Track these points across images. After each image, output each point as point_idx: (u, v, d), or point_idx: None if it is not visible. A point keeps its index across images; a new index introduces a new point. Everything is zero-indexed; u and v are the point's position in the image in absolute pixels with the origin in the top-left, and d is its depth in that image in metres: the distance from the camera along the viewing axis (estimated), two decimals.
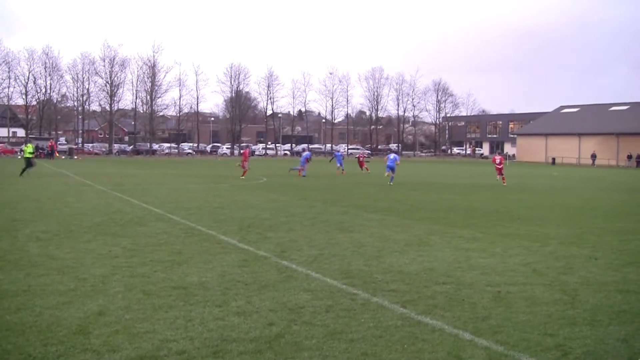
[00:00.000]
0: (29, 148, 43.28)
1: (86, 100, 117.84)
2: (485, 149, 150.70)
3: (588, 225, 19.99)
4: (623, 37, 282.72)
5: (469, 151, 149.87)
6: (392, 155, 41.83)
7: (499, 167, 43.80)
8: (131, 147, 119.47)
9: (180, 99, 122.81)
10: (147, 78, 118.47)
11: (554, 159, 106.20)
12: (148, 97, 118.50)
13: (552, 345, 7.79)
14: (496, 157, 45.42)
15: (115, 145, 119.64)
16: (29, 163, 41.44)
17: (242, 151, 52.75)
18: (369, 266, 12.55)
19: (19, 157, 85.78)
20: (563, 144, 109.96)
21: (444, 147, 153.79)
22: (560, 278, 11.76)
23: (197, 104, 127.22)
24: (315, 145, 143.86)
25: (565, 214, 23.56)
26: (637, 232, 18.38)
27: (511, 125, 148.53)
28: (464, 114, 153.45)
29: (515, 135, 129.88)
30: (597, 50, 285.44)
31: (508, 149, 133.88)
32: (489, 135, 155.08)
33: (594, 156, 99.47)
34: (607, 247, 15.45)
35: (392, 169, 40.02)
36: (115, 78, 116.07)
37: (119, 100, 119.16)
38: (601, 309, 9.52)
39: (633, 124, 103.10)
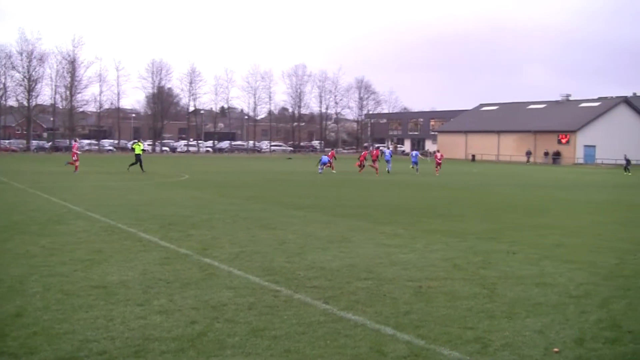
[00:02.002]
0: (139, 145, 48.40)
1: (2, 95, 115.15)
2: (406, 146, 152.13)
3: (506, 220, 20.39)
4: (537, 39, 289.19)
5: (390, 148, 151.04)
6: (413, 152, 59.04)
7: (439, 162, 53.95)
8: (50, 143, 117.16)
9: (100, 94, 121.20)
10: (67, 73, 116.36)
11: (473, 156, 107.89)
12: (68, 92, 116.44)
13: (472, 338, 7.92)
14: (437, 154, 55.99)
15: (33, 141, 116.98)
16: (137, 159, 46.15)
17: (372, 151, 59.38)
18: (292, 263, 12.57)
19: None
20: (482, 141, 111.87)
21: (366, 144, 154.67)
22: (479, 272, 11.96)
23: (118, 100, 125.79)
24: (238, 142, 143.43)
25: (485, 209, 23.98)
26: (553, 227, 18.82)
27: (432, 123, 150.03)
28: (386, 111, 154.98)
29: (436, 133, 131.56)
30: (513, 51, 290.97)
31: (429, 146, 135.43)
32: (411, 133, 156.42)
33: (529, 153, 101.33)
34: (525, 242, 15.78)
35: (416, 163, 54.93)
36: (34, 73, 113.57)
37: (37, 96, 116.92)
38: (519, 302, 9.72)
39: (549, 121, 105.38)
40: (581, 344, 7.78)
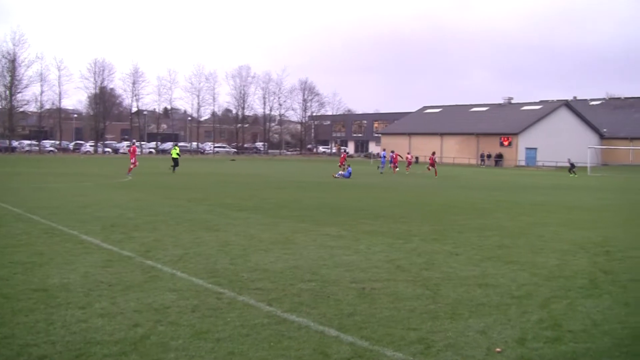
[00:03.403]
0: (175, 150, 53.42)
1: None
2: (350, 148, 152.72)
3: (449, 222, 20.55)
4: (480, 43, 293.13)
5: (334, 150, 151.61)
6: (383, 152, 65.24)
7: (410, 161, 63.58)
8: None
9: (41, 94, 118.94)
10: (7, 72, 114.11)
11: (417, 158, 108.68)
12: (7, 92, 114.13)
13: (415, 339, 7.98)
14: (408, 156, 64.71)
15: None
16: (175, 162, 51.54)
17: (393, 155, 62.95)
18: (235, 265, 12.53)
19: None
20: (426, 143, 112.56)
21: (309, 146, 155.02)
22: (422, 274, 12.04)
23: (60, 100, 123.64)
24: (182, 143, 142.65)
25: (428, 211, 24.15)
26: (494, 229, 19.03)
27: (376, 125, 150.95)
28: (329, 113, 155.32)
29: (380, 135, 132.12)
30: (456, 55, 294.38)
31: (373, 148, 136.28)
32: (354, 135, 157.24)
33: (482, 156, 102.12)
34: (467, 243, 15.94)
35: (384, 163, 62.27)
36: None
37: None
38: (461, 303, 9.82)
39: (492, 124, 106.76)
40: (523, 344, 7.88)
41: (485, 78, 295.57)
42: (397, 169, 61.75)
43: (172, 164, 51.51)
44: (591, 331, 8.53)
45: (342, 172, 49.57)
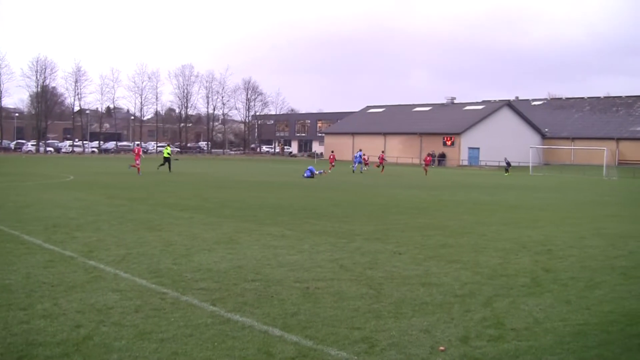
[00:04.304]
0: (167, 149, 54.97)
1: None
2: (294, 148, 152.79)
3: (392, 221, 20.68)
4: (421, 44, 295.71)
5: (277, 149, 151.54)
6: (357, 153, 66.86)
7: (382, 161, 65.81)
8: None
9: None
10: None
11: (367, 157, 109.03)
12: None
13: (359, 338, 8.02)
14: (382, 154, 68.37)
15: None
16: (166, 161, 52.70)
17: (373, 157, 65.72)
18: (178, 265, 12.47)
19: None
20: (369, 143, 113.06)
21: (253, 145, 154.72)
22: (366, 273, 12.11)
23: (0, 98, 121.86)
24: (124, 143, 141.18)
25: (371, 211, 24.25)
26: (437, 228, 19.20)
27: (319, 124, 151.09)
28: (273, 112, 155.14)
29: (324, 134, 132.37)
30: (398, 55, 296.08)
31: (316, 147, 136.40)
32: (298, 134, 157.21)
33: (433, 156, 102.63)
34: (410, 243, 16.06)
35: (360, 162, 64.22)
36: None
37: None
38: (405, 302, 9.89)
39: (435, 124, 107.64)
40: (466, 342, 7.97)
41: (427, 78, 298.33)
42: (374, 168, 64.54)
43: (162, 162, 52.96)
44: (533, 329, 8.66)
45: (321, 170, 52.11)
